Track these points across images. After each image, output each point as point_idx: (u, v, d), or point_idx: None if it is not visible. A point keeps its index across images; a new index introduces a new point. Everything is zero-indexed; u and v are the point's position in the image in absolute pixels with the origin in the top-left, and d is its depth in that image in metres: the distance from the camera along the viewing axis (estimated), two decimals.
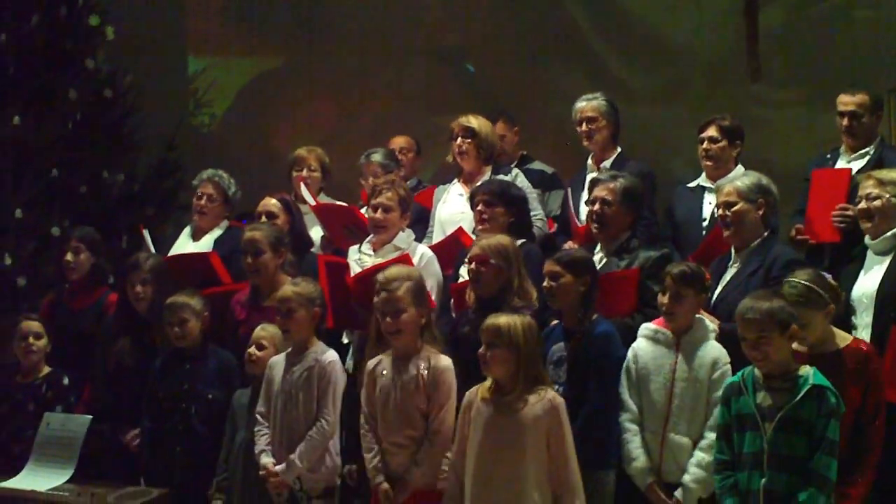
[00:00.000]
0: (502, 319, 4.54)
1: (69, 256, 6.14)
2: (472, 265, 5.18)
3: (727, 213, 5.30)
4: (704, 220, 6.10)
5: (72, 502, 4.80)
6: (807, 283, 4.60)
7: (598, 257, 5.45)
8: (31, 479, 5.10)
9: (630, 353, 4.95)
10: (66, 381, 5.75)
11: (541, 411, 4.45)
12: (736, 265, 5.29)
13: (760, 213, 5.29)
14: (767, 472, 4.25)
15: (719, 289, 5.24)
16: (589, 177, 6.10)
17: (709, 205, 6.07)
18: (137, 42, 10.31)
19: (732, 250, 5.35)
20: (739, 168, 6.10)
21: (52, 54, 9.07)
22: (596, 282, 5.01)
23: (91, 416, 5.38)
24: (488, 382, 4.59)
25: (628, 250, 5.43)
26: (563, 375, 4.86)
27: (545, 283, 4.98)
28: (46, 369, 5.79)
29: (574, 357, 4.87)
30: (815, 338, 4.62)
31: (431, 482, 4.77)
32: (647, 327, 4.97)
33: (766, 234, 5.30)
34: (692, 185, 6.31)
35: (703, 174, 6.25)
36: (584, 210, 5.97)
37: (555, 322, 5.10)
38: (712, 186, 6.08)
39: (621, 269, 5.34)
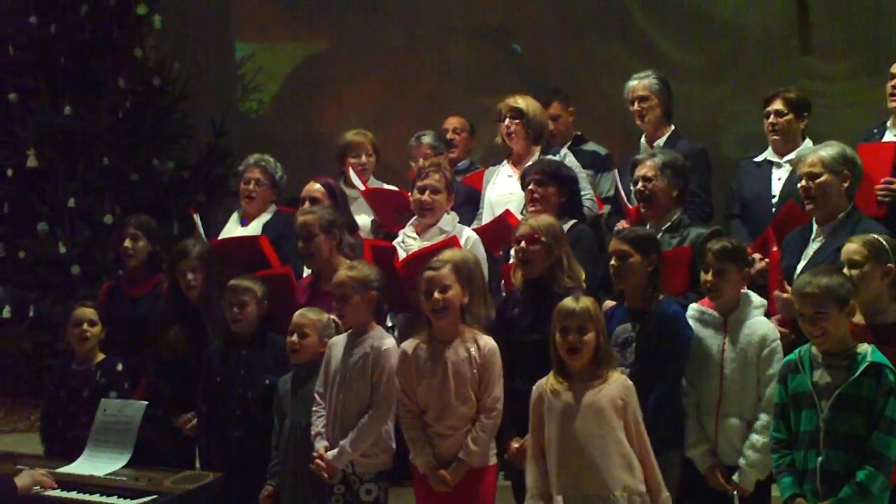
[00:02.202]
0: (588, 301, 4.45)
1: (127, 243, 6.16)
2: (522, 244, 5.10)
3: (810, 184, 5.12)
4: (774, 196, 5.98)
5: (129, 486, 4.83)
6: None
7: None
8: (88, 465, 5.13)
9: None
10: (119, 367, 5.79)
11: (616, 392, 4.39)
12: (820, 239, 5.15)
13: (846, 185, 5.11)
14: (824, 450, 4.19)
15: (803, 263, 5.10)
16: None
17: (778, 181, 5.98)
18: (185, 30, 10.41)
19: (814, 223, 5.20)
20: (808, 142, 5.99)
21: (101, 44, 9.19)
22: (661, 261, 4.94)
23: (147, 402, 5.41)
24: (552, 373, 4.51)
25: (679, 228, 5.36)
26: (631, 356, 4.80)
27: (612, 262, 4.89)
28: (100, 356, 5.82)
29: (643, 338, 4.80)
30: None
31: (483, 459, 4.79)
32: (693, 308, 4.90)
33: (849, 207, 5.14)
34: (758, 159, 6.18)
35: (770, 148, 6.14)
36: None
37: (613, 303, 5.04)
38: (780, 161, 6.00)
39: (673, 248, 5.28)
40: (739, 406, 4.71)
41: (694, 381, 4.84)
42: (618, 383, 4.41)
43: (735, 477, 4.71)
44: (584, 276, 5.15)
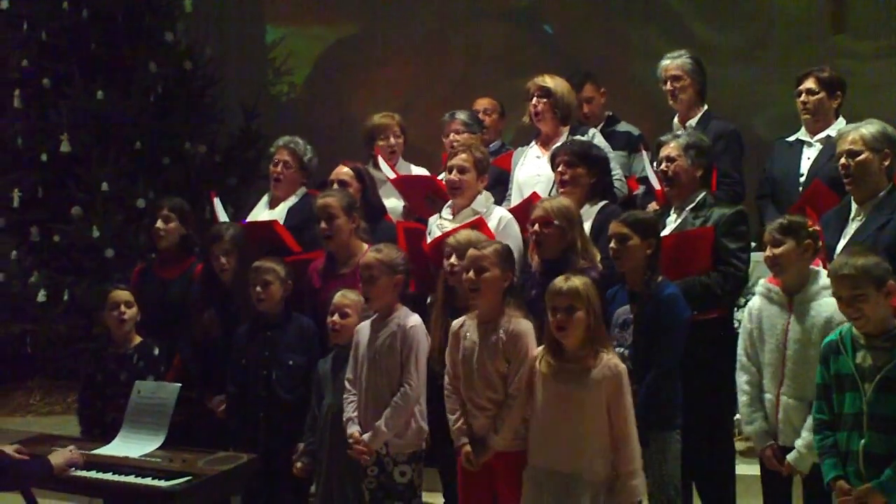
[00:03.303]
0: (578, 281, 4.47)
1: (159, 224, 6.16)
2: (535, 227, 5.16)
3: (850, 162, 5.06)
4: (802, 175, 5.95)
5: (164, 468, 4.86)
6: None
7: (673, 217, 5.38)
8: (123, 447, 5.16)
9: (745, 313, 4.88)
10: (156, 351, 5.82)
11: (602, 376, 4.39)
12: (860, 218, 5.09)
13: (886, 163, 5.05)
14: (867, 432, 4.14)
15: (842, 242, 5.04)
16: None
17: (807, 160, 5.95)
18: (215, 14, 10.43)
19: (852, 202, 5.15)
20: (841, 121, 5.94)
21: (132, 29, 9.22)
22: (660, 244, 4.94)
23: (180, 384, 5.44)
24: (543, 348, 4.57)
25: (703, 208, 5.32)
26: (629, 338, 4.82)
27: (612, 245, 4.91)
28: (137, 339, 5.84)
29: (640, 320, 4.81)
30: None
31: (512, 444, 4.76)
32: (762, 284, 4.85)
33: (889, 186, 5.07)
34: (790, 139, 6.16)
35: (802, 128, 6.10)
36: None
37: (616, 286, 5.04)
38: (811, 141, 5.96)
39: (696, 228, 5.27)
40: (801, 387, 4.63)
41: (757, 359, 4.80)
42: (604, 365, 4.40)
43: (790, 457, 4.66)
44: (599, 257, 5.17)
